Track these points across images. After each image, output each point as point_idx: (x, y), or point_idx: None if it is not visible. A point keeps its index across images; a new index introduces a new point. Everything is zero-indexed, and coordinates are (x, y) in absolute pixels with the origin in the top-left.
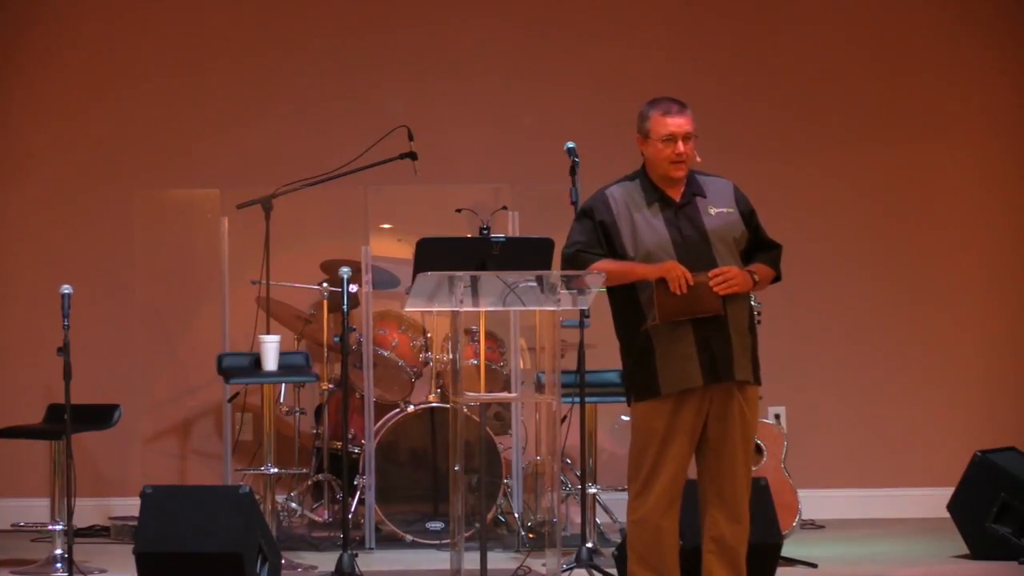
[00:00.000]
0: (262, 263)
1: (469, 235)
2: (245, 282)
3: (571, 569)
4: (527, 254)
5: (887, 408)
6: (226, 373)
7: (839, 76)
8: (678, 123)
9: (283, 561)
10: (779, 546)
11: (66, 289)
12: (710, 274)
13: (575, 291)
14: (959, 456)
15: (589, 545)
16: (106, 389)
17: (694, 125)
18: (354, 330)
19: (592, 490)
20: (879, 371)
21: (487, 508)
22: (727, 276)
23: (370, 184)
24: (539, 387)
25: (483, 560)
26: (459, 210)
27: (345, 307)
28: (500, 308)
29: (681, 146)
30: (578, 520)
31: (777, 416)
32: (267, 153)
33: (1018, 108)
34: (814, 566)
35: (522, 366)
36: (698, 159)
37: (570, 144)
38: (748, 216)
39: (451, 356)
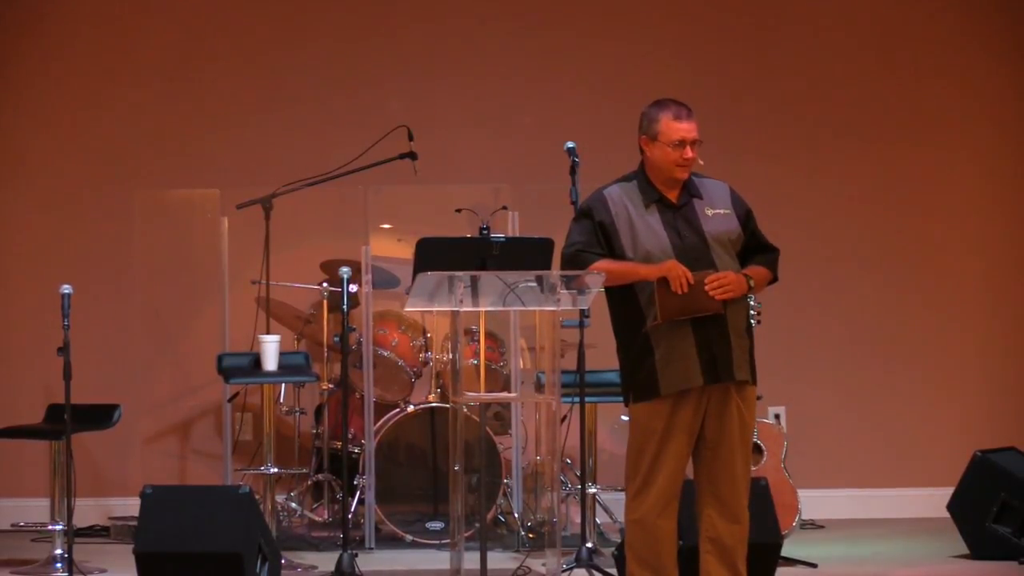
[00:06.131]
0: (262, 263)
1: (469, 235)
2: (245, 282)
3: (571, 569)
4: (527, 254)
5: (887, 408)
6: (226, 373)
7: (839, 76)
8: (688, 128)
9: (283, 561)
10: (779, 546)
11: (66, 289)
12: (706, 280)
13: (575, 291)
14: (959, 456)
15: (589, 545)
16: (106, 389)
17: (699, 129)
18: (354, 330)
19: (592, 490)
20: (879, 371)
21: (487, 508)
22: (723, 281)
23: (370, 184)
24: (539, 387)
25: (483, 560)
26: (459, 210)
27: (345, 307)
28: (500, 308)
29: (689, 151)
30: (578, 520)
31: (777, 416)
32: (267, 153)
33: (1018, 108)
34: (814, 566)
35: (522, 366)
36: (700, 163)
37: (570, 144)
38: (745, 218)
39: (451, 356)
